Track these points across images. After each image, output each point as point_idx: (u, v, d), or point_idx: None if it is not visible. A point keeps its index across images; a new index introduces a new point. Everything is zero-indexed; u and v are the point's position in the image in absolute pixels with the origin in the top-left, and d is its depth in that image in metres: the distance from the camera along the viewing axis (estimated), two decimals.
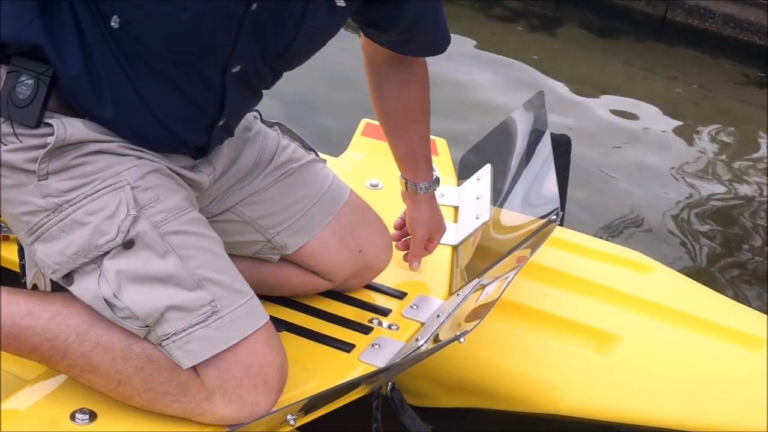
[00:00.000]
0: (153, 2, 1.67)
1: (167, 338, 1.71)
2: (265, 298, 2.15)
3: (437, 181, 2.30)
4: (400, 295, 2.27)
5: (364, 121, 3.01)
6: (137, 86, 1.77)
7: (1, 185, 1.81)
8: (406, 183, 2.28)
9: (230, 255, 1.96)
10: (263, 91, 1.98)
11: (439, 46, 2.13)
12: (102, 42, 1.73)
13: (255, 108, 2.15)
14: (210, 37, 1.73)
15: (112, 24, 1.70)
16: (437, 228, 2.34)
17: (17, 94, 1.75)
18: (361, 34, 2.13)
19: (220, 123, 1.88)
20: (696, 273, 3.38)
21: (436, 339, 1.95)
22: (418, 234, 2.30)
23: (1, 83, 1.77)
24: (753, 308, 2.45)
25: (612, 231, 3.71)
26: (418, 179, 2.26)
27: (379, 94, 2.23)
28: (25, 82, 1.75)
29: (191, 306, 1.72)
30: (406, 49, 2.13)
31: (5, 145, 1.77)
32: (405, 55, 2.15)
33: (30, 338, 1.79)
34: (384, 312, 2.20)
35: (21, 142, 1.76)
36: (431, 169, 2.29)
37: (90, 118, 1.78)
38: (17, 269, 1.90)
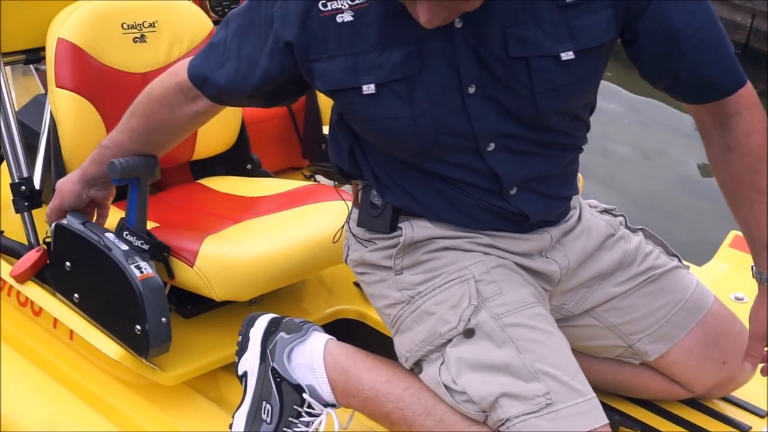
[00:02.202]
0: (375, 124, 1.78)
1: (502, 424, 1.70)
2: (621, 397, 2.17)
3: None
4: (761, 413, 2.17)
5: (732, 233, 2.89)
6: (431, 183, 1.85)
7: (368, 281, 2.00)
8: (754, 272, 1.96)
9: (583, 354, 1.99)
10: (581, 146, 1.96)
11: (720, 85, 1.83)
12: (385, 164, 1.88)
13: (621, 213, 2.14)
14: (440, 133, 1.76)
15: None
16: None
17: (372, 206, 1.91)
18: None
19: (512, 192, 1.86)
20: None
21: None
22: (752, 329, 1.95)
23: (361, 195, 1.95)
24: None
25: None
26: (758, 265, 1.93)
27: (711, 165, 1.99)
28: (376, 193, 1.91)
29: (525, 395, 1.70)
30: (686, 95, 1.90)
31: (366, 247, 1.94)
32: (693, 103, 1.90)
33: (385, 404, 1.86)
34: (743, 428, 2.11)
35: (376, 244, 1.92)
36: None
37: (427, 213, 1.88)
38: (388, 333, 2.00)
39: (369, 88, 1.74)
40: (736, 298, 2.56)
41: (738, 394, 2.20)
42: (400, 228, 1.89)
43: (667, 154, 4.28)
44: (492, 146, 1.80)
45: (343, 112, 1.86)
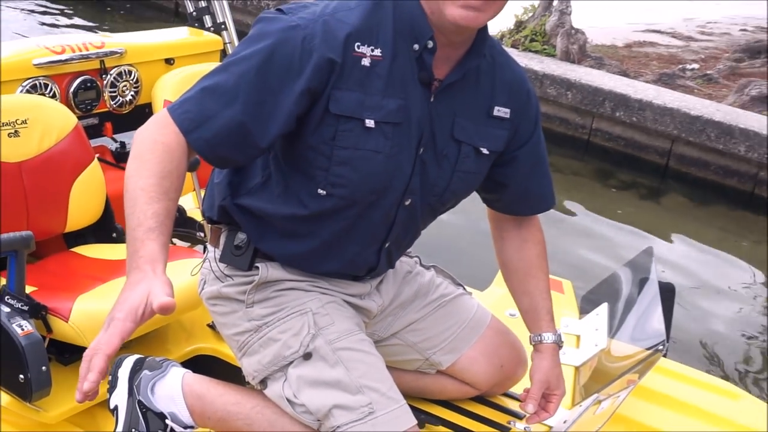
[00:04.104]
0: (360, 152, 1.72)
1: (335, 430, 1.72)
2: (426, 400, 2.18)
3: (560, 338, 2.05)
4: None
5: None
6: (328, 235, 1.82)
7: (219, 312, 1.91)
8: (531, 338, 2.07)
9: (395, 369, 1.97)
10: (421, 233, 1.98)
11: (546, 204, 2.04)
12: (298, 213, 1.79)
13: (416, 255, 2.17)
14: (396, 175, 1.77)
15: (320, 191, 1.76)
16: (556, 382, 2.03)
17: (233, 247, 1.86)
18: (488, 210, 2.10)
19: (386, 246, 1.89)
20: None
21: None
22: (536, 377, 2.02)
23: (224, 237, 1.89)
24: None
25: (708, 363, 3.61)
26: (541, 330, 2.04)
27: (503, 254, 2.11)
28: (240, 237, 1.86)
29: (353, 406, 1.72)
30: (519, 207, 2.05)
31: (222, 282, 1.89)
32: (519, 215, 2.07)
33: (235, 422, 1.84)
34: (519, 416, 2.17)
35: (233, 280, 1.87)
36: (553, 321, 2.06)
37: (285, 261, 1.86)
38: (236, 364, 1.99)
39: (370, 123, 1.71)
40: (510, 314, 2.62)
41: (514, 389, 2.25)
42: (257, 267, 1.85)
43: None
44: (408, 201, 1.82)
45: (322, 144, 1.72)
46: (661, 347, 2.20)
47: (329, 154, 1.72)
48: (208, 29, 3.31)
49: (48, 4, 8.07)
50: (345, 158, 1.73)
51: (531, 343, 2.06)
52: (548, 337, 2.03)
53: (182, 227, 2.96)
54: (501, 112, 1.86)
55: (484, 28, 1.77)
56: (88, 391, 1.42)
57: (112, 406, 1.96)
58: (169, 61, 3.10)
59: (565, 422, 2.08)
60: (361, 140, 1.72)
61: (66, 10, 7.96)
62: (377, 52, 1.71)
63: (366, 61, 1.70)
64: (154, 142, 1.61)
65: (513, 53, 6.64)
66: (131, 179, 1.58)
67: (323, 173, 1.74)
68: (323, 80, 1.67)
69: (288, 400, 1.77)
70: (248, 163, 1.81)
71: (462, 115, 1.82)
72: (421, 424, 2.03)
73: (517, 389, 2.26)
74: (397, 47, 1.72)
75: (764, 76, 7.34)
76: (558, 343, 2.05)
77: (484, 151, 1.86)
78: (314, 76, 1.65)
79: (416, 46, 1.73)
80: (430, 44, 1.73)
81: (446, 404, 2.21)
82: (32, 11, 7.76)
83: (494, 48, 1.87)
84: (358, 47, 1.70)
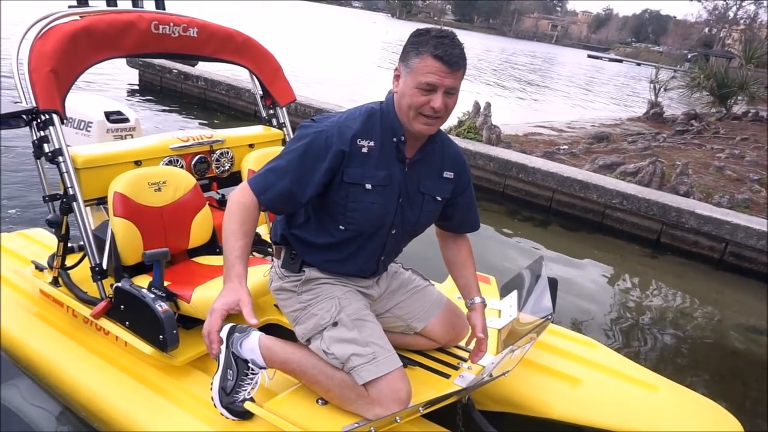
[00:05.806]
0: (363, 204, 1.73)
1: (352, 369, 1.71)
2: (407, 350, 2.18)
3: (484, 300, 2.04)
4: (465, 349, 2.23)
5: None
6: (347, 253, 1.82)
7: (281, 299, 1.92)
8: (466, 302, 2.02)
9: (388, 331, 1.98)
10: (403, 249, 1.98)
11: (475, 227, 2.03)
12: (329, 241, 1.80)
13: (399, 262, 2.17)
14: (386, 216, 1.77)
15: (341, 227, 1.77)
16: (483, 326, 1.98)
17: (289, 259, 1.87)
18: (437, 228, 2.09)
19: (382, 258, 1.88)
20: (620, 350, 3.22)
21: (491, 375, 1.92)
22: (472, 323, 1.97)
23: (283, 253, 1.89)
24: (649, 368, 2.33)
25: (579, 327, 3.58)
26: (472, 296, 2.01)
27: (447, 255, 2.08)
28: (293, 253, 1.86)
29: (363, 354, 1.71)
30: (458, 229, 2.03)
31: (283, 280, 1.89)
32: (457, 233, 2.04)
33: (290, 364, 1.84)
34: (465, 359, 2.16)
35: (289, 278, 1.87)
36: (479, 291, 2.03)
37: (320, 268, 1.85)
38: (292, 329, 1.97)
39: (368, 186, 1.71)
40: (458, 297, 2.61)
41: (461, 344, 2.25)
42: (303, 271, 1.86)
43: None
44: (394, 231, 1.82)
45: (341, 199, 1.72)
46: (549, 317, 2.20)
47: (345, 204, 1.74)
48: (274, 126, 3.32)
49: (179, 109, 8.10)
50: (354, 207, 1.74)
51: (467, 306, 2.02)
52: (477, 299, 2.01)
53: (259, 245, 2.95)
54: (447, 174, 1.87)
55: None
56: (217, 352, 1.55)
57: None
58: (251, 146, 3.11)
59: (492, 363, 2.07)
60: (363, 196, 1.73)
61: (193, 114, 7.99)
62: (371, 143, 1.72)
63: (364, 150, 1.71)
64: (239, 203, 1.68)
65: (457, 140, 6.71)
66: (226, 224, 1.66)
67: (342, 216, 1.75)
68: (338, 162, 1.69)
69: (324, 351, 1.76)
70: (295, 211, 1.82)
71: (424, 177, 1.82)
72: (404, 365, 2.02)
73: (462, 343, 2.25)
74: (384, 140, 1.73)
75: (607, 153, 7.39)
76: (484, 303, 2.00)
77: (438, 198, 1.86)
78: (333, 161, 1.68)
79: (395, 139, 1.74)
80: (403, 138, 1.74)
81: (420, 353, 2.20)
82: (169, 112, 7.79)
83: (442, 136, 1.87)
84: (359, 141, 1.71)
